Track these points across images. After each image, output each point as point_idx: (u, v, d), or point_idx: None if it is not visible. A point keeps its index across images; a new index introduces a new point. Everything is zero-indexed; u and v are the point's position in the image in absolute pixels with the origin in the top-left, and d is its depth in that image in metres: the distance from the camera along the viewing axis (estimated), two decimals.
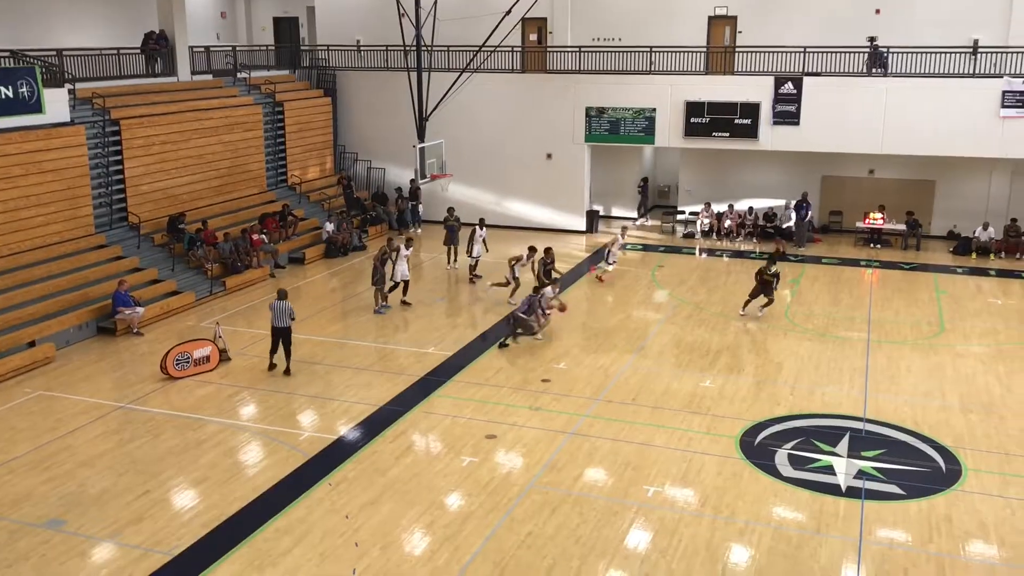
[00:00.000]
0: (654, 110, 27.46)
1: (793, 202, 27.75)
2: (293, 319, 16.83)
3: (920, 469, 13.16)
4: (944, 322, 20.06)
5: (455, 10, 27.61)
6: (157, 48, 26.00)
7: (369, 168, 31.18)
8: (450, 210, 25.27)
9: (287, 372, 16.81)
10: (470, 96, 27.67)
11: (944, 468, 13.19)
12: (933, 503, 12.17)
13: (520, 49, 29.73)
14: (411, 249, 21.38)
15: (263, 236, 24.21)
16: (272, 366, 16.98)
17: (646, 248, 27.26)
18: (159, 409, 15.37)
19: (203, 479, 12.88)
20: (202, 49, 28.13)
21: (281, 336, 16.79)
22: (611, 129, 28.13)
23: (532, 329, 18.56)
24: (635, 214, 30.72)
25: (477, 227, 23.74)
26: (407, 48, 25.58)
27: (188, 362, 16.76)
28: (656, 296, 22.30)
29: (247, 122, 26.77)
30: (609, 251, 23.66)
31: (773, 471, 13.04)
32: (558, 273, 21.76)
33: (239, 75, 28.71)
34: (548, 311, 18.87)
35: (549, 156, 28.89)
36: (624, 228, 25.54)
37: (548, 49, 30.03)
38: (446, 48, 27.58)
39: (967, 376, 16.86)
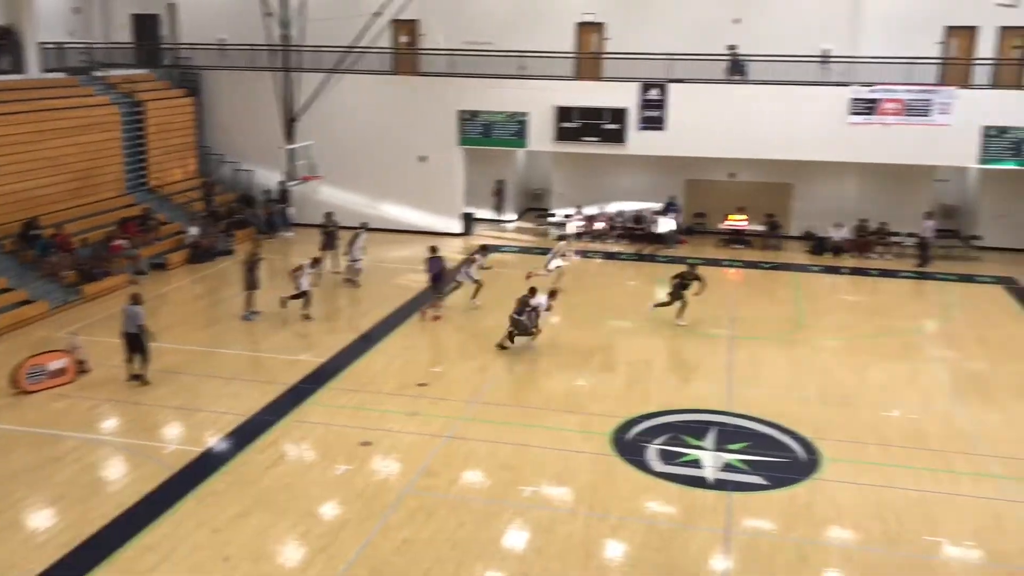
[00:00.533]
0: (526, 114, 27.75)
1: (659, 206, 28.58)
2: (140, 325, 16.05)
3: (782, 460, 13.73)
4: (802, 318, 21.05)
5: (324, 10, 27.18)
6: (3, 43, 24.51)
7: (236, 170, 30.30)
8: (328, 215, 24.84)
9: (143, 380, 16.09)
10: (342, 97, 27.29)
11: (804, 458, 13.82)
12: (795, 492, 12.73)
13: (391, 51, 29.53)
14: (317, 268, 20.80)
15: (124, 241, 23.18)
16: (134, 377, 16.25)
17: (521, 251, 27.51)
18: (10, 425, 14.46)
19: (60, 497, 12.21)
20: (54, 46, 26.71)
21: (132, 342, 16.07)
22: (484, 132, 28.25)
23: (528, 329, 18.15)
24: (493, 217, 30.66)
25: (360, 230, 23.38)
26: (274, 48, 25.02)
27: (42, 374, 15.85)
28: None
29: (104, 123, 25.56)
30: (554, 259, 22.86)
31: (644, 467, 13.36)
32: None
33: (95, 74, 27.40)
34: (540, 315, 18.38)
35: (423, 158, 28.77)
36: (567, 239, 24.95)
37: (419, 52, 29.93)
38: (315, 48, 27.09)
39: (823, 369, 17.73)
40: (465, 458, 13.53)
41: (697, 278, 20.28)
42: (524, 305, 18.09)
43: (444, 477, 12.94)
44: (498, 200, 30.67)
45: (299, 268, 20.32)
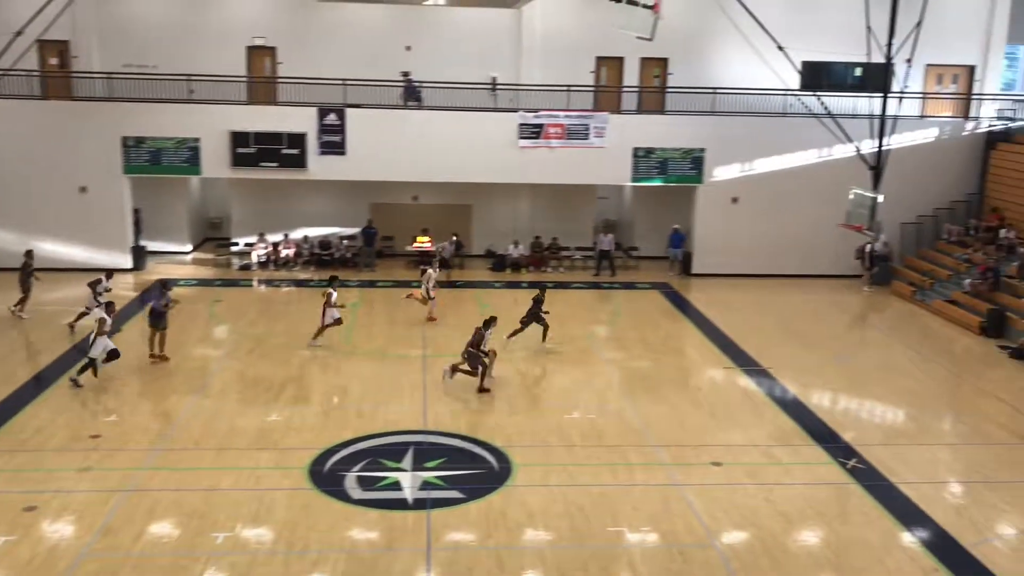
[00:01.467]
0: (198, 140, 26.50)
1: (356, 231, 28.51)
2: None
3: (477, 471, 14.20)
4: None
5: None
6: None
7: None
8: (28, 252, 22.24)
9: None
10: None
11: (497, 467, 14.38)
12: (490, 501, 13.19)
13: (39, 74, 26.95)
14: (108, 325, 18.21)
15: None
16: None
17: (201, 283, 26.17)
18: None
19: None
20: None
21: None
22: (153, 160, 26.56)
23: (475, 361, 17.65)
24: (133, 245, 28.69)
25: (102, 278, 20.96)
26: None
27: None
28: (215, 332, 21.50)
29: None
30: (427, 287, 22.48)
31: (343, 496, 13.21)
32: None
33: None
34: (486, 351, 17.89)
35: (83, 189, 26.46)
36: (433, 265, 23.97)
37: (72, 75, 27.58)
38: None
39: (510, 379, 18.57)
40: (149, 511, 12.56)
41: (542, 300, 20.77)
42: (481, 337, 17.68)
43: (126, 534, 11.92)
44: (135, 229, 28.55)
45: (99, 321, 17.63)
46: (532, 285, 26.90)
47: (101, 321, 17.64)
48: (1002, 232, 26.47)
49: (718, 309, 24.71)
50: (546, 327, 20.73)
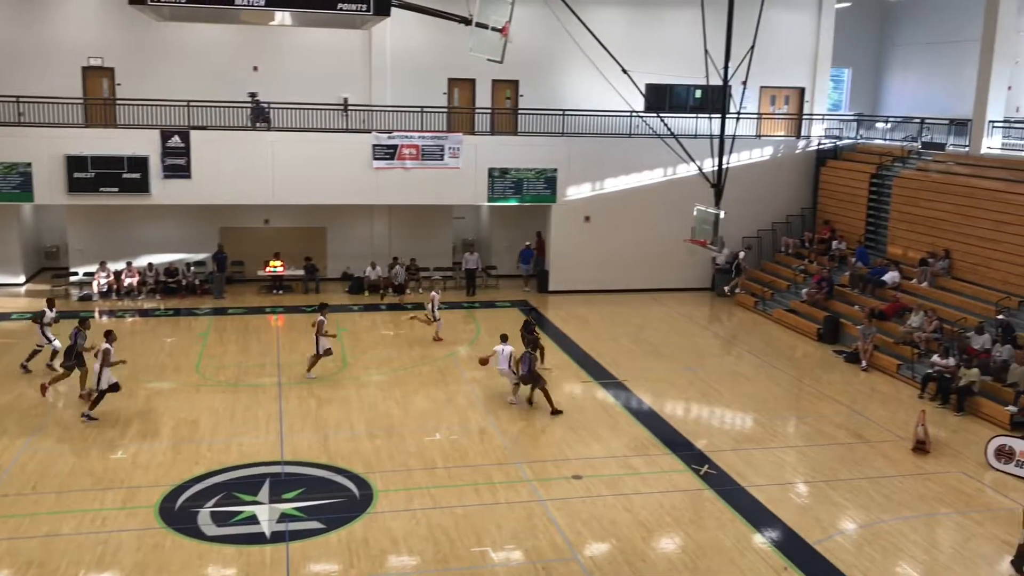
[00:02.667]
0: (30, 165, 25.01)
1: (207, 256, 27.49)
2: None
3: (337, 500, 13.90)
4: (347, 357, 21.58)
5: None
6: None
7: None
8: None
9: None
10: None
11: (358, 494, 14.12)
12: (352, 530, 12.93)
13: None
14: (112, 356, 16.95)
15: None
16: None
17: (36, 317, 24.57)
18: None
19: None
20: None
21: None
22: None
23: (541, 381, 18.26)
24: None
25: (46, 309, 20.01)
26: None
27: None
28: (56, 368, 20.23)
29: None
30: (434, 307, 23.20)
31: (197, 533, 12.66)
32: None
33: None
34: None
35: None
36: (436, 288, 24.82)
37: None
38: None
39: (370, 404, 18.33)
40: None
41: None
42: (534, 360, 18.47)
43: None
44: None
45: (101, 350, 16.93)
46: (391, 308, 26.72)
47: (106, 352, 16.91)
48: (834, 244, 28.21)
49: (574, 324, 25.19)
50: (543, 351, 20.92)
